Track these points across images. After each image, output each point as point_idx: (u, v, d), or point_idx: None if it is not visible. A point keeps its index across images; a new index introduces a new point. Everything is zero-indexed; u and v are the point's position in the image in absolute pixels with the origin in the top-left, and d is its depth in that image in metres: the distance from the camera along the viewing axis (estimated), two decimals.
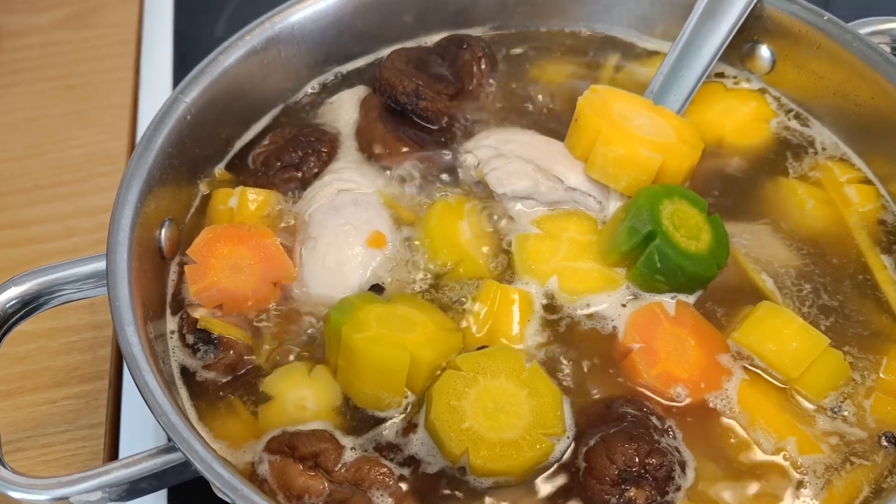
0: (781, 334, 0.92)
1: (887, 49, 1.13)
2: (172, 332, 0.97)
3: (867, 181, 1.11)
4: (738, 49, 1.21)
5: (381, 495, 0.84)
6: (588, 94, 1.10)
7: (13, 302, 0.88)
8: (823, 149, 1.15)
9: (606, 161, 1.04)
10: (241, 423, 0.91)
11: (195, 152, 1.08)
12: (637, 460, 0.83)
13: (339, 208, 1.05)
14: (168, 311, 1.00)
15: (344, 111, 1.19)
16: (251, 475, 0.86)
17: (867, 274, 1.02)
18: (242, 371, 0.94)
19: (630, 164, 1.03)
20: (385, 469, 0.85)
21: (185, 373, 0.94)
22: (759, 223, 1.07)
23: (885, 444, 0.88)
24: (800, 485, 0.86)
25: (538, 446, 0.84)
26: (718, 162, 1.14)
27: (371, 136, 1.15)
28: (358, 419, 0.90)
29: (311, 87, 1.23)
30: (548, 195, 1.06)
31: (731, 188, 1.11)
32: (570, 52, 1.28)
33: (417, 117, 1.16)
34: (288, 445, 0.86)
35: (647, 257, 0.96)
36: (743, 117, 1.19)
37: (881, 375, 0.93)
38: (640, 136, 1.05)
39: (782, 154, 1.14)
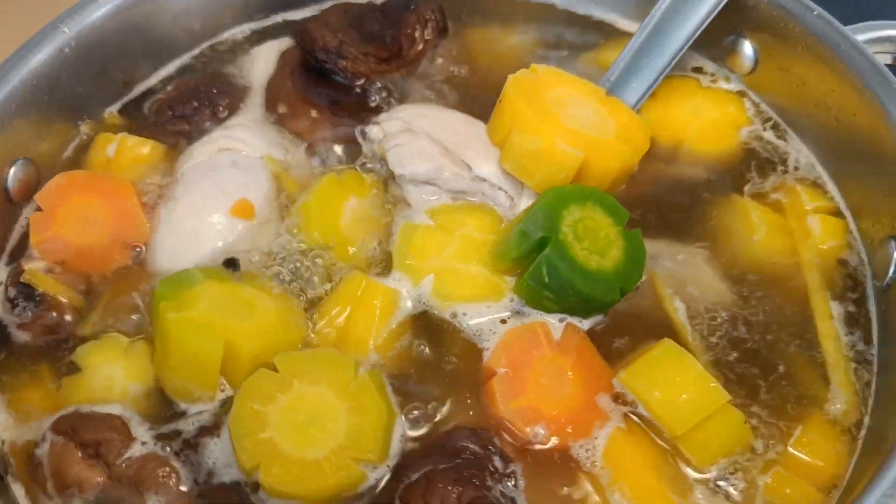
0: (673, 382, 0.76)
1: (888, 59, 0.95)
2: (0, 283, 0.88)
3: (837, 213, 0.93)
4: (720, 42, 1.04)
5: (159, 500, 0.73)
6: (522, 73, 0.95)
7: None
8: (796, 168, 0.97)
9: (521, 151, 0.90)
10: (42, 393, 0.81)
11: (76, 90, 0.98)
12: None
13: (215, 169, 0.93)
14: (5, 258, 0.90)
15: (259, 64, 1.07)
16: (27, 457, 0.76)
17: (808, 322, 0.84)
18: (61, 336, 0.84)
19: (545, 158, 0.88)
20: (170, 470, 0.74)
21: None
22: (697, 246, 0.91)
23: None
24: None
25: (343, 472, 0.71)
26: (670, 168, 0.98)
27: (278, 94, 1.03)
28: (163, 410, 0.79)
29: (241, 31, 1.12)
30: (452, 182, 0.92)
31: (674, 200, 0.95)
32: (537, 26, 1.13)
33: (339, 79, 1.03)
34: (72, 427, 0.76)
35: (535, 268, 0.81)
36: (711, 120, 1.02)
37: (789, 448, 0.76)
38: (568, 127, 0.90)
39: (747, 168, 0.97)
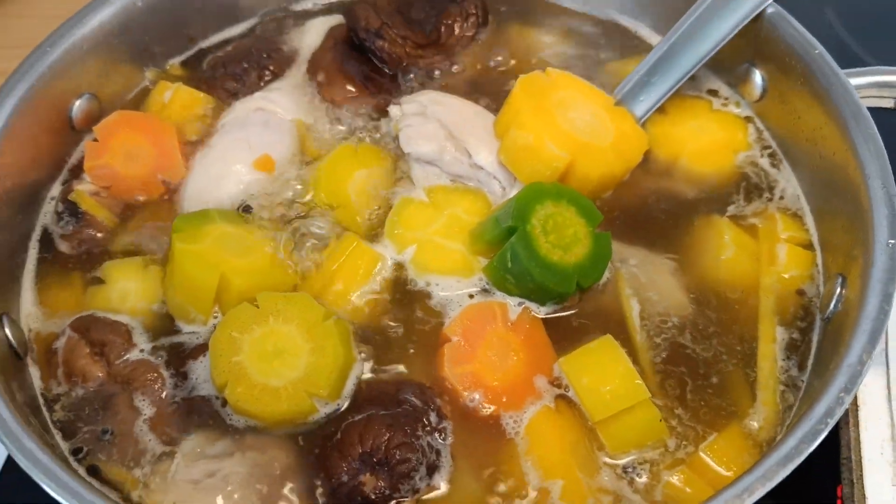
0: (601, 372, 0.84)
1: (890, 103, 0.98)
2: (53, 198, 1.02)
3: (808, 246, 0.97)
4: (735, 68, 1.09)
5: (143, 400, 0.86)
6: (534, 74, 1.03)
7: None
8: (781, 197, 1.02)
9: (515, 146, 0.98)
10: (69, 296, 0.95)
11: (144, 39, 1.11)
12: (383, 448, 0.80)
13: (248, 125, 1.05)
14: (62, 177, 1.04)
15: (309, 35, 1.18)
16: (46, 347, 0.90)
17: (751, 342, 0.90)
18: (93, 250, 0.98)
19: (533, 155, 0.96)
20: (156, 376, 0.87)
21: (45, 235, 0.99)
22: (666, 256, 0.97)
23: None
24: None
25: (296, 402, 0.82)
26: (662, 181, 1.04)
27: (319, 64, 1.14)
28: (164, 325, 0.91)
29: (300, 5, 1.23)
30: (452, 166, 1.01)
31: (657, 212, 1.01)
32: (570, 31, 1.20)
33: (376, 58, 1.13)
34: (86, 327, 0.89)
35: (501, 253, 0.90)
36: (711, 141, 1.07)
37: (699, 451, 0.82)
38: (562, 129, 0.97)
39: (735, 190, 1.03)
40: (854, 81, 0.95)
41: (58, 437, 0.84)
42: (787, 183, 1.03)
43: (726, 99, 1.11)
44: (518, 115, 0.98)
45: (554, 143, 0.96)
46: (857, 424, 0.98)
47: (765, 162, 1.05)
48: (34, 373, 0.89)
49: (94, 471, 0.82)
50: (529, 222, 0.90)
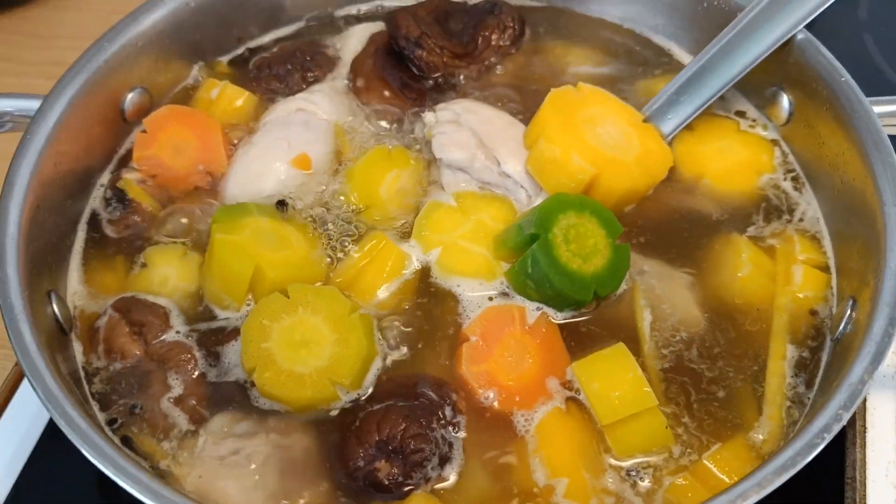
0: (612, 378, 0.87)
1: None
2: (102, 185, 1.08)
3: (824, 268, 0.99)
4: (763, 91, 1.12)
5: (176, 379, 0.91)
6: (564, 89, 1.06)
7: None
8: (801, 220, 1.04)
9: (543, 158, 1.01)
10: (113, 277, 1.00)
11: (195, 38, 1.17)
12: (399, 437, 0.84)
13: (289, 125, 1.10)
14: (112, 165, 1.10)
15: (352, 41, 1.23)
16: (89, 324, 0.95)
17: (761, 358, 0.93)
18: (137, 236, 1.03)
19: (560, 168, 1.00)
20: (190, 357, 0.92)
21: (93, 219, 1.05)
22: (683, 271, 1.00)
23: None
24: None
25: (319, 389, 0.87)
26: (685, 198, 1.07)
27: (359, 68, 1.19)
28: (200, 310, 0.96)
29: (346, 11, 1.28)
30: (481, 173, 1.05)
31: (678, 227, 1.04)
32: (607, 48, 1.24)
33: (414, 66, 1.18)
34: (127, 308, 0.95)
35: (523, 259, 0.94)
36: (737, 162, 1.10)
37: (703, 460, 0.85)
38: (589, 143, 1.01)
39: (756, 211, 1.05)
40: (879, 109, 0.97)
41: (95, 407, 0.89)
42: (808, 206, 1.05)
43: (754, 121, 1.13)
44: (546, 129, 1.02)
45: (580, 156, 0.99)
46: (863, 445, 1.00)
47: (787, 185, 1.07)
48: (77, 347, 0.94)
49: (126, 441, 0.88)
50: (551, 231, 0.93)
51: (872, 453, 0.99)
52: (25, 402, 1.01)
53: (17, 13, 1.70)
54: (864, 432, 1.01)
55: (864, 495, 0.94)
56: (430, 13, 1.22)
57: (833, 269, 0.99)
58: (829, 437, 0.73)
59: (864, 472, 0.96)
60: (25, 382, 1.01)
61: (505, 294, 0.96)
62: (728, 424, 0.88)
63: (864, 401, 1.03)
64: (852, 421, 1.02)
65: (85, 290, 0.99)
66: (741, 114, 1.14)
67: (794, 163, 1.09)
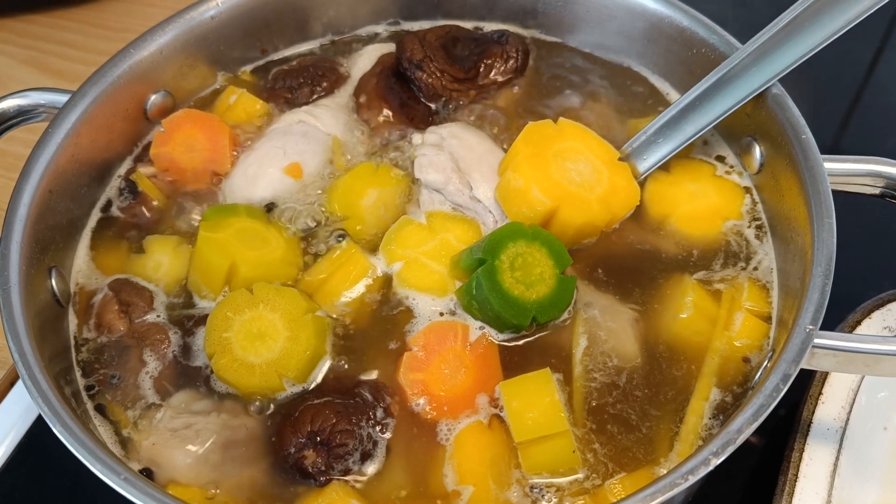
0: (530, 399, 0.93)
1: (876, 191, 1.02)
2: (119, 176, 1.21)
3: (766, 318, 1.02)
4: (740, 140, 1.15)
5: (151, 355, 1.02)
6: (542, 122, 1.12)
7: (12, 108, 1.14)
8: (755, 268, 1.07)
9: (508, 187, 1.08)
10: (116, 260, 1.12)
11: (220, 48, 1.28)
12: (328, 430, 0.92)
13: (288, 134, 1.20)
14: (131, 158, 1.23)
15: (363, 59, 1.32)
16: (86, 300, 1.08)
17: (685, 396, 0.97)
18: (142, 224, 1.15)
19: (521, 197, 1.06)
20: (164, 338, 1.03)
21: (107, 206, 1.18)
22: (629, 306, 1.05)
23: None
24: None
25: (267, 379, 0.96)
26: (647, 236, 1.11)
27: (364, 86, 1.27)
28: (182, 298, 1.07)
29: (364, 31, 1.37)
30: (454, 196, 1.12)
31: (634, 263, 1.08)
32: (604, 84, 1.29)
33: (415, 87, 1.26)
34: (119, 288, 1.07)
35: (469, 281, 1.01)
36: (705, 206, 1.13)
37: (604, 485, 0.91)
38: (553, 177, 1.07)
39: (714, 255, 1.09)
40: (838, 167, 1.00)
41: (78, 373, 1.02)
42: (766, 256, 1.08)
43: (731, 167, 1.17)
44: (515, 159, 1.08)
45: (539, 189, 1.05)
46: (791, 494, 1.03)
47: (751, 232, 1.10)
48: (72, 319, 1.07)
49: (100, 409, 0.99)
50: (498, 257, 1.00)
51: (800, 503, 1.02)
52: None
53: (95, 6, 1.86)
54: (795, 482, 1.04)
55: None
56: (439, 38, 1.30)
57: (774, 321, 1.02)
58: (692, 479, 0.77)
59: None
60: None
61: (453, 312, 1.04)
62: (638, 456, 0.93)
63: (802, 450, 1.06)
64: (784, 469, 1.05)
65: (89, 269, 1.12)
66: (721, 158, 1.18)
67: (761, 212, 1.12)
